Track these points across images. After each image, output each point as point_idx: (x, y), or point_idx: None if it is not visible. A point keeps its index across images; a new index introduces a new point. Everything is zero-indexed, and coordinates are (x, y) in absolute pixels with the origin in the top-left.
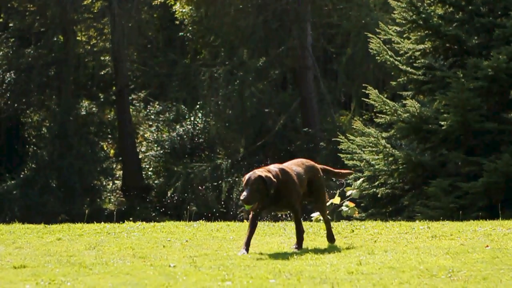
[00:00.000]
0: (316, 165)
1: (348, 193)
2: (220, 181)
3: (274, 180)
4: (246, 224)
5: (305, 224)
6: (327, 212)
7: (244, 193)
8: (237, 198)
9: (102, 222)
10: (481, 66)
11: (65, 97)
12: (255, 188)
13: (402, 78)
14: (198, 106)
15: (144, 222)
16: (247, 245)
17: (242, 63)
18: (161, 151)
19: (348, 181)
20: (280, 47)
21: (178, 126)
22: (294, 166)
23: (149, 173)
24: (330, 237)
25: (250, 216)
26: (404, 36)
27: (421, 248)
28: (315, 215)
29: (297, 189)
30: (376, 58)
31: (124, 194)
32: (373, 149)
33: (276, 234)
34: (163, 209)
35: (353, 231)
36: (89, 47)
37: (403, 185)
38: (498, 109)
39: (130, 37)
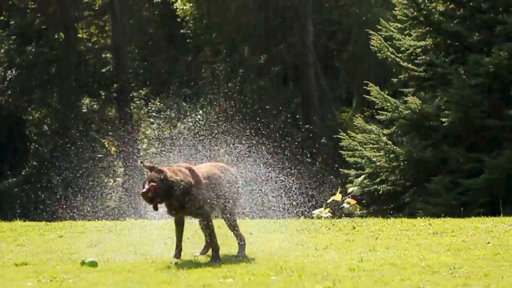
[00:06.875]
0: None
1: (349, 190)
2: None
3: (182, 182)
4: (247, 222)
5: (306, 221)
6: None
7: (146, 186)
8: None
9: (104, 220)
10: (482, 63)
11: (66, 95)
12: (159, 186)
13: (403, 75)
14: (199, 103)
15: (145, 220)
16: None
17: (243, 60)
18: (162, 148)
19: (349, 178)
20: (281, 44)
21: (179, 124)
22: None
23: None
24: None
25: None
26: (405, 32)
27: (422, 245)
28: (317, 211)
29: (206, 192)
30: (377, 55)
31: (125, 192)
32: (374, 146)
33: (278, 231)
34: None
35: (354, 228)
36: (90, 44)
37: (404, 182)
38: (499, 105)
39: (131, 34)
